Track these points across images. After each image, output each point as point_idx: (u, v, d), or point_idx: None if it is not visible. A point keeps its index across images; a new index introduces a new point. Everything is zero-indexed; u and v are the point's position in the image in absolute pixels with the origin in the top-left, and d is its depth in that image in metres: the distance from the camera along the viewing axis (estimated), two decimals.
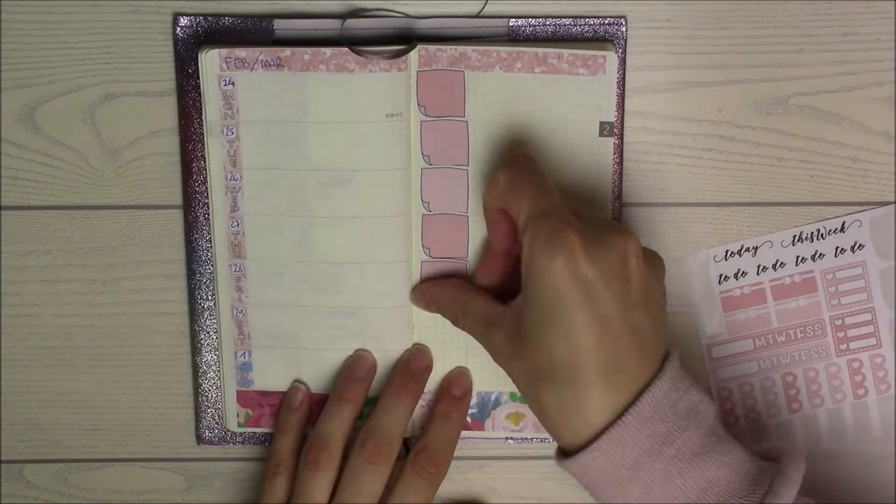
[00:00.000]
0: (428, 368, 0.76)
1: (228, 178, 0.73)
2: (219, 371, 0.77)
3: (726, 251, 0.76)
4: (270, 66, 0.71)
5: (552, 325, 0.63)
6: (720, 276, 0.77)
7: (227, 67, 0.71)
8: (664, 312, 0.68)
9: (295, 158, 0.72)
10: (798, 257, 0.76)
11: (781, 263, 0.76)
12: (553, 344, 0.63)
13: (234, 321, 0.75)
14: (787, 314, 0.77)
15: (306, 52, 0.71)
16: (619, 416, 0.63)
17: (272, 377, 0.76)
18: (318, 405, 0.76)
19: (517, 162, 0.68)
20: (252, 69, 0.71)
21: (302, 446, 0.74)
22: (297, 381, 0.76)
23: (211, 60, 0.71)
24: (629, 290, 0.64)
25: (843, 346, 0.77)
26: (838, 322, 0.77)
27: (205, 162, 0.74)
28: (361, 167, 0.72)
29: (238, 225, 0.74)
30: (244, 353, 0.76)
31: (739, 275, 0.76)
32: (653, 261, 0.68)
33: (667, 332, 0.68)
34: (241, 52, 0.70)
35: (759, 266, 0.76)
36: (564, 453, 0.66)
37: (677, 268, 0.77)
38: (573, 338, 0.63)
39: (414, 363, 0.75)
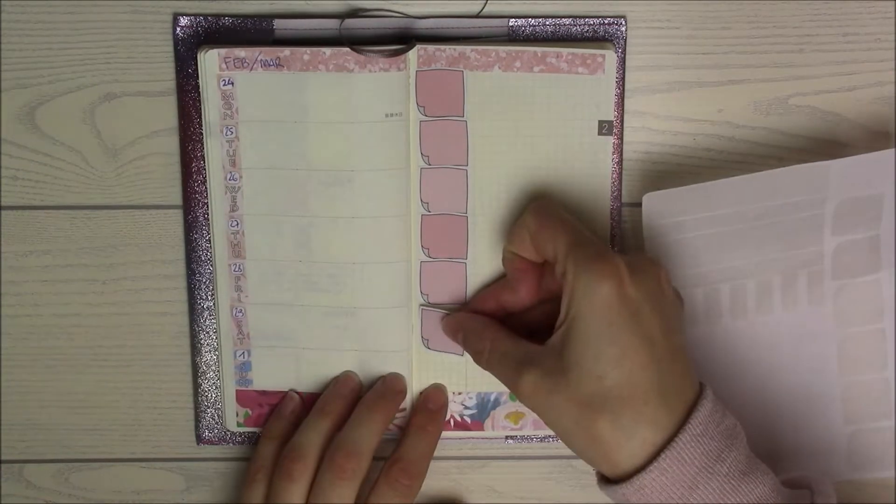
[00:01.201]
0: (402, 393, 0.76)
1: (228, 177, 0.73)
2: (218, 371, 0.77)
3: None
4: (270, 65, 0.71)
5: (603, 348, 0.64)
6: None
7: (227, 67, 0.71)
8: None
9: (294, 158, 0.72)
10: None
11: None
12: (605, 368, 0.64)
13: (234, 321, 0.75)
14: None
15: (306, 52, 0.71)
16: (674, 434, 0.64)
17: (271, 377, 0.76)
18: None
19: (544, 208, 0.70)
20: (251, 69, 0.71)
21: None
22: (293, 389, 0.77)
23: (210, 61, 0.71)
24: (668, 314, 0.66)
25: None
26: None
27: (205, 162, 0.74)
28: (361, 167, 0.72)
29: (237, 224, 0.74)
30: (243, 352, 0.76)
31: None
32: (677, 290, 0.69)
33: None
34: (241, 52, 0.71)
35: None
36: (610, 481, 0.66)
37: None
38: (626, 359, 0.64)
39: (389, 385, 0.76)
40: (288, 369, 0.76)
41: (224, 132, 0.72)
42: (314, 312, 0.75)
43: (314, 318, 0.75)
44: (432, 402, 0.76)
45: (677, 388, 0.65)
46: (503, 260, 0.72)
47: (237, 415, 0.77)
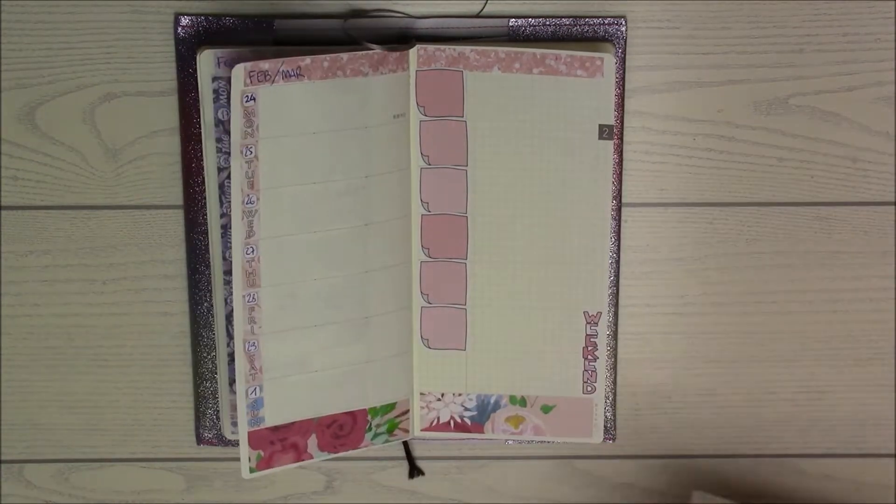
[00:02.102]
0: None
1: (245, 201, 0.71)
2: (217, 374, 0.77)
3: None
4: (291, 76, 0.70)
5: None
6: None
7: (251, 82, 0.69)
8: None
9: (312, 172, 0.71)
10: None
11: None
12: None
13: (246, 356, 0.73)
14: None
15: (325, 60, 0.70)
16: None
17: (283, 409, 0.74)
18: (327, 427, 0.76)
19: None
20: (273, 81, 0.69)
21: None
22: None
23: (236, 76, 0.69)
24: None
25: None
26: None
27: (204, 162, 0.73)
28: (374, 171, 0.72)
29: (253, 251, 0.72)
30: (255, 388, 0.74)
31: None
32: None
33: None
34: (265, 65, 0.69)
35: None
36: None
37: (674, 268, 0.77)
38: None
39: None
40: (302, 396, 0.74)
41: (244, 153, 0.71)
42: (327, 330, 0.74)
43: (326, 335, 0.74)
44: None
45: None
46: None
47: (249, 460, 0.74)
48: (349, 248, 0.73)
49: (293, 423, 0.74)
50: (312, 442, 0.75)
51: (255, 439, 0.73)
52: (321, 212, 0.72)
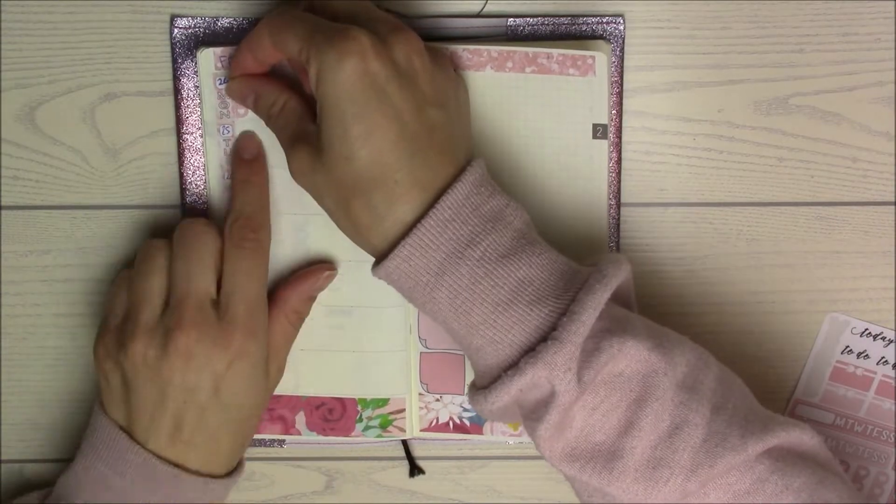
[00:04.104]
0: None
1: (226, 177, 0.73)
2: None
3: (865, 329, 0.76)
4: None
5: (350, 127, 0.62)
6: (846, 347, 0.76)
7: (222, 66, 0.71)
8: (464, 114, 0.67)
9: None
10: None
11: None
12: (352, 148, 0.62)
13: None
14: (877, 411, 0.77)
15: None
16: (423, 216, 0.62)
17: None
18: (316, 409, 0.76)
19: (278, 12, 0.66)
20: None
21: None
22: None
23: (206, 60, 0.71)
24: (419, 88, 0.63)
25: None
26: None
27: (204, 161, 0.74)
28: None
29: None
30: None
31: (862, 355, 0.76)
32: (437, 57, 0.66)
33: (471, 137, 0.66)
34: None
35: (882, 357, 0.76)
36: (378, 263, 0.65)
37: (674, 268, 0.77)
38: (373, 136, 0.62)
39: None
40: (288, 372, 0.75)
41: (221, 131, 0.72)
42: (312, 313, 0.75)
43: (313, 317, 0.75)
44: (246, 152, 0.72)
45: (431, 167, 0.63)
46: (232, 90, 0.70)
47: None
48: (331, 235, 0.73)
49: (281, 397, 0.76)
50: (301, 419, 0.76)
51: None
52: (303, 195, 0.72)
